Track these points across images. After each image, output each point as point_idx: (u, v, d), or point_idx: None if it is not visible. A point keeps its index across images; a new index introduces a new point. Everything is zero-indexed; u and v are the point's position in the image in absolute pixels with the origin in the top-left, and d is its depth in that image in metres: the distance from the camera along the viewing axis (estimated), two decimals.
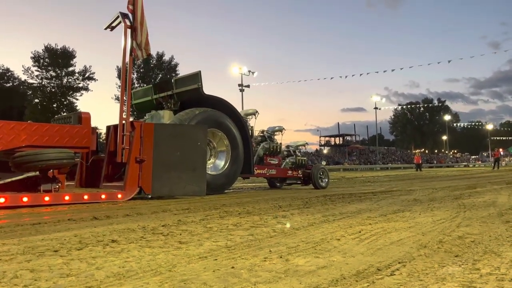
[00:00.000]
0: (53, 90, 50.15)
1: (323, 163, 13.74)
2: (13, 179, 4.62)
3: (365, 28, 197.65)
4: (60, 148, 4.89)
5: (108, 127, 6.00)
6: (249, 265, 1.84)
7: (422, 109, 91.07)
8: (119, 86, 10.62)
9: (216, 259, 1.94)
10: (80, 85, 51.22)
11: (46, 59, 49.18)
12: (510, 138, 76.27)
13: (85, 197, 4.77)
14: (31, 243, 2.31)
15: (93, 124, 5.60)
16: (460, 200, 5.06)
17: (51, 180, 4.71)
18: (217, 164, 6.86)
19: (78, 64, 50.84)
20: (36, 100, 50.39)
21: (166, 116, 6.86)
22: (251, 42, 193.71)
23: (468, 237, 2.47)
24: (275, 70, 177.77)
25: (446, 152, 77.16)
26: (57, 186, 4.75)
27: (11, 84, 49.81)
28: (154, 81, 44.97)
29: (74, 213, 3.89)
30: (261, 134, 8.59)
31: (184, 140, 5.66)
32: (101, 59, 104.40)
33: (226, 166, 6.84)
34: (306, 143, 10.01)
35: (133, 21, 5.67)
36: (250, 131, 7.75)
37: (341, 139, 63.79)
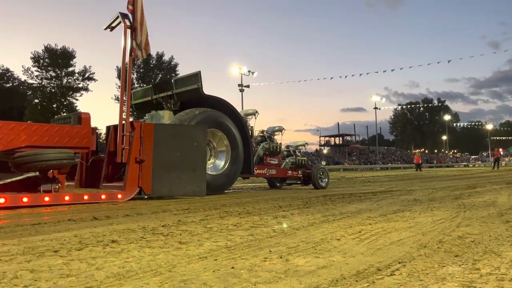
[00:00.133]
0: (53, 90, 50.16)
1: (323, 163, 13.75)
2: (13, 179, 4.62)
3: (365, 28, 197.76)
4: (60, 148, 4.89)
5: (108, 127, 6.00)
6: (249, 265, 1.84)
7: (422, 109, 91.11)
8: (119, 86, 10.62)
9: (216, 259, 1.94)
10: (80, 85, 51.28)
11: (46, 59, 49.19)
12: (510, 138, 76.26)
13: (85, 197, 4.77)
14: (31, 244, 2.31)
15: (93, 124, 5.60)
16: (460, 200, 5.06)
17: (51, 181, 4.71)
18: (217, 164, 6.86)
19: (78, 64, 50.96)
20: (36, 101, 50.40)
21: (166, 116, 6.86)
22: (251, 42, 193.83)
23: (468, 237, 2.47)
24: (275, 70, 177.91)
25: (446, 152, 77.17)
26: (57, 187, 4.75)
27: (11, 84, 49.83)
28: (154, 81, 44.98)
29: (74, 213, 3.89)
30: (261, 134, 8.59)
31: (184, 140, 5.66)
32: (101, 59, 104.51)
33: (226, 166, 6.84)
34: (306, 143, 10.01)
35: (133, 21, 5.67)
36: (250, 131, 7.75)
37: (341, 139, 63.79)
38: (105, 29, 5.98)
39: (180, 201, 5.22)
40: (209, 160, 6.71)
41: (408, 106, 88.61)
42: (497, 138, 75.58)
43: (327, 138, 64.33)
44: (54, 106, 49.91)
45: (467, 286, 1.51)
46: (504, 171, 20.87)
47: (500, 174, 16.61)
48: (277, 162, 8.45)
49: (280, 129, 8.90)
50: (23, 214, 3.86)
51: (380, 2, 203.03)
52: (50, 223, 3.18)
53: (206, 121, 6.47)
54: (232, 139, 6.95)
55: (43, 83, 49.79)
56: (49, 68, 49.44)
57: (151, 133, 5.39)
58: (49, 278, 1.62)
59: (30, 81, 49.35)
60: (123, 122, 5.50)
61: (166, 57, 53.78)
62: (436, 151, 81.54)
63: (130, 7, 5.66)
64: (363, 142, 79.17)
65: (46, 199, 4.48)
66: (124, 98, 5.70)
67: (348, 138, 65.29)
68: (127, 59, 5.75)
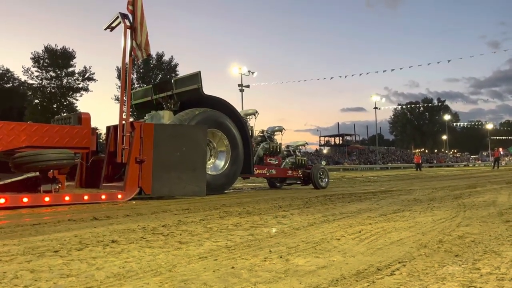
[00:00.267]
0: (53, 90, 50.16)
1: (323, 163, 13.75)
2: (13, 179, 4.62)
3: (365, 28, 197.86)
4: (60, 148, 4.89)
5: (108, 128, 6.00)
6: (249, 265, 1.84)
7: (422, 108, 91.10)
8: (119, 86, 10.62)
9: (216, 259, 1.94)
10: (80, 85, 51.29)
11: (46, 60, 49.19)
12: (510, 137, 76.27)
13: (85, 197, 4.77)
14: (31, 244, 2.31)
15: (93, 125, 5.60)
16: (460, 199, 5.06)
17: (51, 181, 4.71)
18: (217, 164, 6.86)
19: (78, 65, 50.98)
20: (36, 101, 50.40)
21: (166, 117, 6.86)
22: (251, 42, 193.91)
23: (468, 237, 2.47)
24: (275, 70, 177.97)
25: (446, 151, 77.17)
26: (57, 187, 4.75)
27: (11, 84, 49.84)
28: (154, 82, 44.96)
29: (74, 213, 3.89)
30: (261, 134, 8.59)
31: (184, 140, 5.66)
32: (101, 60, 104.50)
33: (226, 166, 6.84)
34: (306, 143, 10.01)
35: (133, 22, 5.67)
36: (250, 131, 7.75)
37: (341, 139, 63.80)
38: (105, 29, 5.98)
39: (180, 201, 5.22)
40: (209, 160, 6.71)
41: (408, 106, 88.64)
42: (497, 137, 75.56)
43: (327, 138, 64.34)
44: (54, 106, 49.92)
45: (467, 286, 1.51)
46: (504, 171, 20.87)
47: (500, 173, 16.61)
48: (277, 162, 8.45)
49: (280, 129, 8.90)
50: (23, 214, 3.86)
51: (380, 2, 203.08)
52: (50, 223, 3.18)
53: (206, 121, 6.47)
54: (232, 139, 6.95)
55: (43, 84, 49.83)
56: (49, 69, 49.45)
57: (151, 133, 5.40)
58: (49, 278, 1.62)
59: (30, 81, 49.45)
60: (123, 122, 5.50)
61: (166, 57, 53.85)
62: (436, 150, 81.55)
63: (130, 7, 5.66)
64: (363, 142, 79.20)
65: (46, 199, 4.48)
66: (124, 98, 5.70)
67: (348, 138, 65.31)
68: (127, 59, 5.75)
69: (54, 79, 49.95)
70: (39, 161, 4.50)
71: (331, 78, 57.43)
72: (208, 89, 7.07)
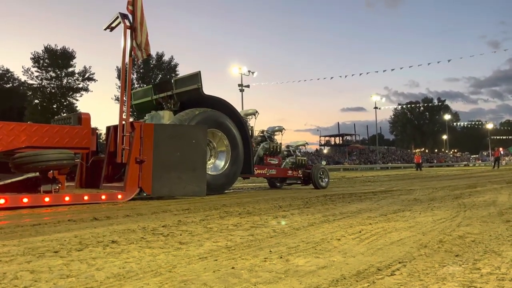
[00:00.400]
0: (53, 90, 50.17)
1: (323, 163, 13.74)
2: (13, 180, 4.62)
3: (365, 28, 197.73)
4: (60, 149, 4.89)
5: (108, 128, 6.00)
6: (249, 265, 1.83)
7: (422, 108, 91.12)
8: (119, 86, 10.62)
9: (216, 260, 1.94)
10: (80, 85, 51.31)
11: (46, 60, 49.21)
12: (510, 137, 76.31)
13: (85, 197, 4.77)
14: (31, 244, 2.31)
15: (93, 125, 5.60)
16: (460, 199, 5.06)
17: (51, 181, 4.71)
18: (217, 164, 6.86)
19: (78, 65, 50.98)
20: (36, 101, 50.40)
21: (166, 117, 6.86)
22: (251, 42, 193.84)
23: (468, 237, 2.47)
24: (275, 70, 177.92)
25: (446, 151, 77.15)
26: (57, 187, 4.75)
27: (11, 85, 49.84)
28: (154, 82, 44.96)
29: (74, 213, 3.89)
30: (261, 134, 8.59)
31: (184, 140, 5.66)
32: (101, 60, 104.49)
33: (226, 166, 6.83)
34: (306, 143, 10.01)
35: (132, 22, 5.66)
36: (250, 131, 7.75)
37: (341, 139, 63.83)
38: (105, 29, 5.98)
39: (180, 201, 5.22)
40: (209, 160, 6.71)
41: (408, 106, 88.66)
42: (497, 137, 75.63)
43: (327, 138, 64.35)
44: (54, 106, 49.94)
45: (467, 286, 1.51)
46: (504, 171, 20.86)
47: (501, 173, 16.61)
48: (277, 162, 8.45)
49: (280, 129, 8.90)
50: (23, 215, 3.86)
51: (380, 2, 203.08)
52: (50, 224, 3.18)
53: (206, 121, 6.47)
54: (232, 139, 6.95)
55: (43, 84, 49.83)
56: (49, 69, 49.46)
57: (151, 133, 5.39)
58: (49, 278, 1.61)
59: (30, 81, 49.46)
60: (123, 122, 5.50)
61: (166, 57, 53.87)
62: (436, 150, 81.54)
63: (130, 7, 5.66)
64: (363, 141, 79.20)
65: (46, 199, 4.48)
66: (124, 98, 5.70)
67: (348, 137, 65.33)
68: (127, 60, 5.75)
69: (54, 79, 49.98)
70: (39, 161, 4.50)
71: (331, 78, 57.59)
72: (208, 89, 7.08)
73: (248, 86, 36.82)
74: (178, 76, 12.42)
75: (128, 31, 5.66)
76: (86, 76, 51.16)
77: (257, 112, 8.38)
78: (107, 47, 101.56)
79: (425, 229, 2.80)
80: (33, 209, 4.28)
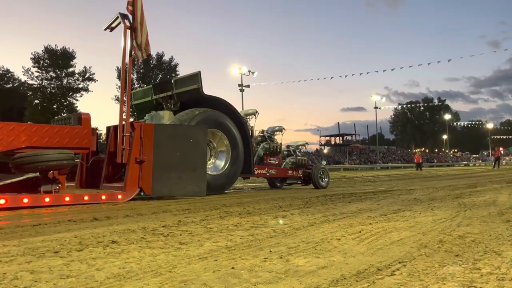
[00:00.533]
0: (53, 91, 50.19)
1: (323, 162, 13.73)
2: (13, 180, 4.62)
3: (365, 28, 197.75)
4: (60, 149, 4.89)
5: (108, 128, 6.00)
6: (249, 265, 1.83)
7: (422, 108, 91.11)
8: (119, 86, 10.62)
9: (216, 260, 1.94)
10: (80, 86, 51.33)
11: (46, 60, 49.23)
12: (510, 137, 76.31)
13: (85, 198, 4.77)
14: (31, 244, 2.31)
15: (93, 125, 5.60)
16: (460, 199, 5.05)
17: (51, 181, 4.71)
18: (217, 164, 6.86)
19: (78, 65, 51.03)
20: (36, 101, 50.42)
21: (166, 117, 6.86)
22: (251, 42, 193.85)
23: (468, 237, 2.47)
24: (275, 70, 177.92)
25: (447, 151, 77.15)
26: (57, 187, 4.75)
27: (11, 85, 49.83)
28: (154, 82, 44.97)
29: (74, 214, 3.89)
30: (261, 134, 8.59)
31: (184, 140, 5.66)
32: (101, 60, 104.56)
33: (226, 166, 6.83)
34: (306, 143, 10.01)
35: (133, 22, 5.67)
36: (250, 131, 7.75)
37: (341, 138, 63.83)
38: (105, 29, 5.98)
39: (181, 201, 5.22)
40: (209, 160, 6.71)
41: (409, 106, 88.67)
42: (498, 137, 75.65)
43: (327, 138, 64.35)
44: (54, 106, 49.96)
45: (467, 286, 1.50)
46: (504, 170, 20.85)
47: (501, 173, 16.60)
48: (277, 162, 8.44)
49: (280, 129, 8.90)
50: (23, 215, 3.86)
51: (380, 2, 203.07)
52: (51, 224, 3.18)
53: (206, 121, 6.47)
54: (232, 139, 6.95)
55: (43, 84, 49.85)
56: (49, 69, 49.48)
57: (151, 133, 5.40)
58: (49, 279, 1.61)
59: (30, 81, 49.48)
60: (123, 122, 5.50)
61: (166, 57, 53.90)
62: (436, 150, 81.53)
63: (130, 7, 5.66)
64: (364, 141, 79.18)
65: (47, 199, 4.48)
66: (124, 98, 5.70)
67: (349, 137, 65.34)
68: (127, 60, 5.75)
69: (54, 80, 49.99)
70: (39, 161, 4.50)
71: (331, 78, 57.60)
72: (208, 89, 7.09)
73: (248, 86, 36.86)
74: (178, 76, 12.42)
75: (128, 31, 5.66)
76: (86, 76, 51.20)
77: (257, 112, 8.38)
78: (107, 47, 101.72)
79: (425, 229, 2.80)
80: (33, 209, 4.29)
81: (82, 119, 5.44)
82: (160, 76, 51.72)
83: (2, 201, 4.16)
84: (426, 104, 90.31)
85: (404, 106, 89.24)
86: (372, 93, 59.47)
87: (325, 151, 58.49)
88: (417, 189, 7.34)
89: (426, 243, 2.28)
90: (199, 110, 6.58)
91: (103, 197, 4.91)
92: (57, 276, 1.66)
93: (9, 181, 4.59)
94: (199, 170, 5.73)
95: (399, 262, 1.86)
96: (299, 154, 9.27)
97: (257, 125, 8.75)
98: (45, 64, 49.30)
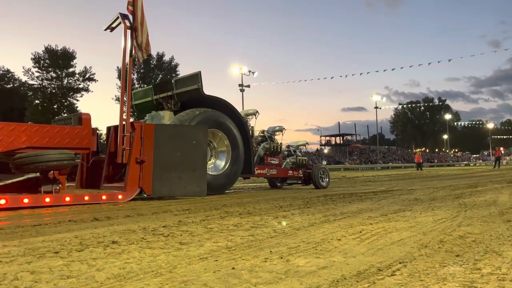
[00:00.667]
0: (53, 91, 50.22)
1: (324, 162, 13.73)
2: (14, 180, 4.62)
3: (365, 28, 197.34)
4: (61, 149, 4.89)
5: (109, 128, 6.01)
6: (249, 265, 1.83)
7: (422, 108, 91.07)
8: (119, 87, 10.62)
9: (216, 260, 1.93)
10: (81, 86, 51.36)
11: (47, 60, 49.26)
12: (511, 137, 76.24)
13: (86, 198, 4.77)
14: (32, 245, 2.31)
15: (93, 125, 5.61)
16: (461, 199, 5.05)
17: (52, 181, 4.71)
18: (217, 164, 6.86)
19: (78, 65, 51.06)
20: (37, 101, 50.46)
21: (166, 117, 6.86)
22: (251, 42, 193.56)
23: (469, 237, 2.47)
24: (275, 70, 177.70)
25: (447, 151, 77.12)
26: (58, 187, 4.75)
27: (11, 85, 49.86)
28: (154, 82, 44.98)
29: (75, 214, 3.89)
30: (262, 134, 8.59)
31: (184, 140, 5.66)
32: (101, 60, 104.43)
33: (226, 166, 6.83)
34: (307, 142, 10.01)
35: (133, 22, 5.67)
36: (250, 131, 7.75)
37: (341, 138, 63.84)
38: (105, 29, 5.98)
39: (181, 201, 5.22)
40: (209, 160, 6.71)
41: (409, 106, 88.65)
42: (498, 137, 75.61)
43: (327, 138, 64.37)
44: (55, 107, 50.00)
45: (468, 286, 1.50)
46: (505, 170, 20.84)
47: (501, 173, 16.59)
48: (277, 162, 8.45)
49: (281, 129, 8.90)
50: (23, 215, 3.86)
51: (380, 2, 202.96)
52: (51, 224, 3.18)
53: (206, 121, 6.47)
54: (233, 139, 6.95)
55: (43, 84, 49.88)
56: (50, 69, 49.52)
57: (151, 133, 5.40)
58: (50, 279, 1.62)
59: (31, 82, 49.50)
60: (124, 122, 5.50)
61: (166, 58, 53.94)
62: (437, 150, 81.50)
63: (130, 7, 5.66)
64: (364, 141, 79.15)
65: (47, 200, 4.48)
66: (125, 98, 5.70)
67: (349, 137, 65.36)
68: (127, 60, 5.75)
69: (54, 80, 50.02)
70: (40, 161, 4.50)
71: (332, 78, 57.56)
72: (209, 89, 7.08)
73: (248, 86, 36.86)
74: (179, 76, 12.43)
75: (129, 31, 5.66)
76: (87, 76, 51.23)
77: (257, 112, 8.39)
78: (107, 47, 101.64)
79: (425, 229, 2.79)
80: (33, 209, 4.29)
81: (83, 119, 5.45)
82: (161, 76, 51.75)
83: (3, 201, 4.16)
84: (426, 104, 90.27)
85: (405, 106, 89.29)
86: (372, 93, 59.57)
87: (326, 151, 58.50)
88: (418, 189, 7.33)
89: (426, 243, 2.28)
90: (199, 110, 6.58)
91: (104, 197, 4.91)
92: (57, 276, 1.66)
93: (10, 181, 4.59)
94: (200, 170, 5.73)
95: (400, 263, 1.86)
96: (300, 154, 9.27)
97: (258, 125, 8.78)
98: (46, 64, 49.34)
